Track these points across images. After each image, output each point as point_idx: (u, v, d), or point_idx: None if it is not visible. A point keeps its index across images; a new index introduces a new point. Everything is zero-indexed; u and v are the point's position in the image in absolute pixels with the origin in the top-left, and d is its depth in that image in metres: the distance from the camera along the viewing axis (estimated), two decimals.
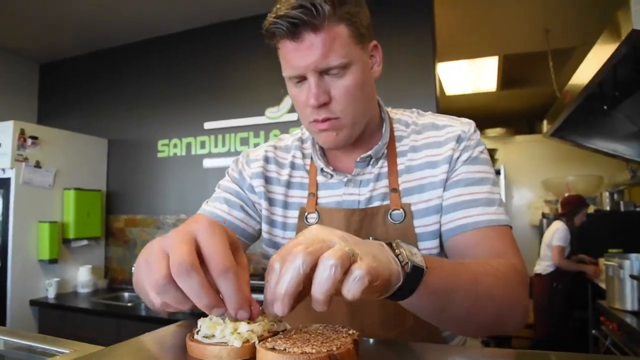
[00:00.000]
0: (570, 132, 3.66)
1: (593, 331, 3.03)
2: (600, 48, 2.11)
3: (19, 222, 3.17)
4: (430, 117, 0.96)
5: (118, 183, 3.91)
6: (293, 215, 0.96)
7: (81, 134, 3.73)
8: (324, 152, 0.97)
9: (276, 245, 0.97)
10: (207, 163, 3.50)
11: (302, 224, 0.93)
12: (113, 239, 3.86)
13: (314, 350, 0.48)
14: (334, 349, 0.49)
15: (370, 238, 0.81)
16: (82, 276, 3.49)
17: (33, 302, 3.22)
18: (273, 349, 0.50)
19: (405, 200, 0.89)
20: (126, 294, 3.45)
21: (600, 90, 2.49)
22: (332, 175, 0.94)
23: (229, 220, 0.98)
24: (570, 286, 4.17)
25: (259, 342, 0.53)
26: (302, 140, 1.03)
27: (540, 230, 5.31)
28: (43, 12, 3.38)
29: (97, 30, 3.71)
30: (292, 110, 3.22)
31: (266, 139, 3.30)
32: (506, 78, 5.15)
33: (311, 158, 0.98)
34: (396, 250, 0.57)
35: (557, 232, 4.13)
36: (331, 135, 0.85)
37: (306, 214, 0.93)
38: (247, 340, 0.53)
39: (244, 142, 3.38)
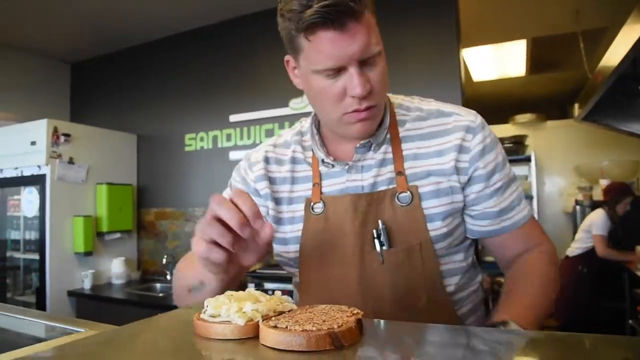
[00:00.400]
0: (603, 116, 3.55)
1: (630, 321, 2.95)
2: (631, 27, 2.04)
3: (54, 216, 3.29)
4: (434, 104, 0.97)
5: (148, 177, 4.00)
6: (300, 208, 0.96)
7: (111, 130, 3.83)
8: (323, 143, 0.97)
9: (285, 242, 0.97)
10: (234, 155, 3.54)
11: (308, 214, 0.93)
12: (144, 232, 3.96)
13: (314, 328, 0.49)
14: (335, 327, 0.50)
15: (380, 222, 0.87)
16: (116, 268, 3.60)
17: (70, 293, 3.34)
18: (275, 327, 0.51)
19: (411, 184, 0.89)
20: (158, 285, 3.54)
21: (634, 70, 2.40)
22: (333, 165, 0.94)
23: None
24: (598, 273, 4.02)
25: (263, 321, 0.54)
26: (301, 134, 1.03)
27: (573, 218, 5.16)
28: (73, 15, 3.47)
29: (124, 29, 3.79)
30: None
31: None
32: (535, 62, 5.01)
33: (312, 150, 0.98)
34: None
35: (596, 221, 3.98)
36: (368, 123, 0.86)
37: (312, 204, 0.93)
38: (251, 320, 0.54)
39: (269, 133, 3.40)
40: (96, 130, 3.69)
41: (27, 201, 3.42)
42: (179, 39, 3.91)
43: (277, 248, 0.99)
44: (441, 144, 0.90)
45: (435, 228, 0.87)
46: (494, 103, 6.24)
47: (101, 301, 3.24)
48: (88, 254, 3.41)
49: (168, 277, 3.62)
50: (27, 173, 3.38)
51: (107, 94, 4.30)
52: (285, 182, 0.99)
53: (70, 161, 3.41)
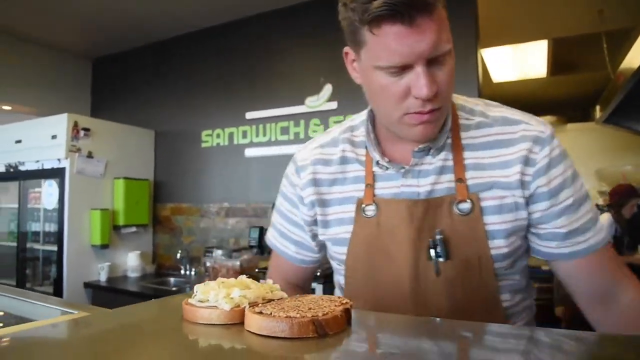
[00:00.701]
0: (625, 118, 3.47)
1: None
2: None
3: (73, 209, 3.36)
4: (500, 110, 0.90)
5: (164, 172, 4.05)
6: (350, 209, 0.91)
7: (130, 125, 3.89)
8: (378, 142, 0.91)
9: (333, 242, 0.94)
10: (249, 152, 3.56)
11: (359, 216, 0.89)
12: (160, 227, 4.01)
13: (298, 315, 0.49)
14: (320, 314, 0.49)
15: (437, 231, 0.82)
16: (131, 261, 3.65)
17: (87, 285, 3.41)
18: (260, 313, 0.51)
19: (473, 193, 0.83)
20: (172, 279, 3.59)
21: None
22: (387, 167, 0.88)
23: (294, 257, 1.03)
24: None
25: (250, 307, 0.54)
26: (351, 129, 0.97)
27: None
28: (95, 12, 3.54)
29: (145, 25, 3.84)
30: (331, 98, 3.22)
31: (306, 128, 3.32)
32: (557, 63, 4.92)
33: (365, 148, 0.92)
34: None
35: None
36: (430, 127, 0.79)
37: (363, 205, 0.88)
38: (238, 306, 0.55)
39: (284, 131, 3.41)
40: (115, 126, 3.75)
41: (47, 194, 3.49)
42: (198, 36, 3.95)
43: (332, 249, 0.96)
44: (506, 154, 0.83)
45: (497, 246, 0.82)
46: (514, 105, 6.08)
47: (116, 293, 3.30)
48: (105, 246, 3.48)
49: (182, 271, 3.67)
50: (47, 166, 3.45)
51: (127, 90, 4.37)
52: (334, 183, 0.94)
53: (89, 155, 3.47)
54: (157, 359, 0.45)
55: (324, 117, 3.25)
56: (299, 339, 0.48)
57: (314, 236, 0.99)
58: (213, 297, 0.56)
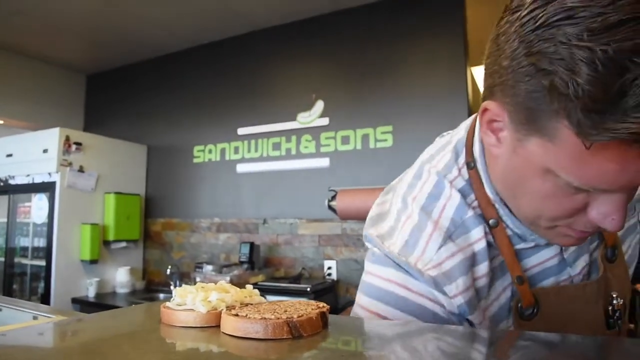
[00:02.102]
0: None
1: None
2: None
3: (63, 223, 3.34)
4: None
5: (156, 187, 4.04)
6: (491, 304, 0.66)
7: (122, 140, 3.89)
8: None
9: None
10: (241, 168, 3.57)
11: (516, 317, 0.65)
12: (150, 242, 3.98)
13: (273, 317, 0.49)
14: (295, 316, 0.50)
15: (614, 295, 0.68)
16: (121, 277, 3.62)
17: (75, 300, 3.37)
18: (236, 315, 0.51)
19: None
20: (162, 295, 3.56)
21: None
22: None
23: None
24: None
25: (226, 310, 0.54)
26: (463, 195, 0.66)
27: None
28: (90, 28, 3.57)
29: (139, 42, 3.88)
30: (323, 115, 3.25)
31: (298, 144, 3.33)
32: None
33: (498, 220, 0.65)
34: None
35: None
36: (582, 242, 0.62)
37: (520, 305, 0.65)
38: (215, 309, 0.55)
39: (276, 147, 3.43)
40: (107, 140, 3.76)
41: (37, 208, 3.48)
42: (191, 53, 3.99)
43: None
44: None
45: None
46: None
47: (104, 309, 3.24)
48: (94, 262, 3.45)
49: (172, 287, 3.63)
50: (38, 180, 3.44)
51: (121, 105, 4.39)
52: (484, 289, 0.65)
53: (81, 169, 3.46)
54: None
55: (315, 133, 3.27)
56: (274, 340, 0.48)
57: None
58: (190, 300, 0.56)
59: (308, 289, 2.72)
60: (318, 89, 3.30)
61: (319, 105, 3.28)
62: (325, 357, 0.46)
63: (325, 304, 0.57)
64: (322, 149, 3.23)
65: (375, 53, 3.14)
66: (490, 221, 0.64)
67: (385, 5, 3.14)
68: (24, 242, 3.68)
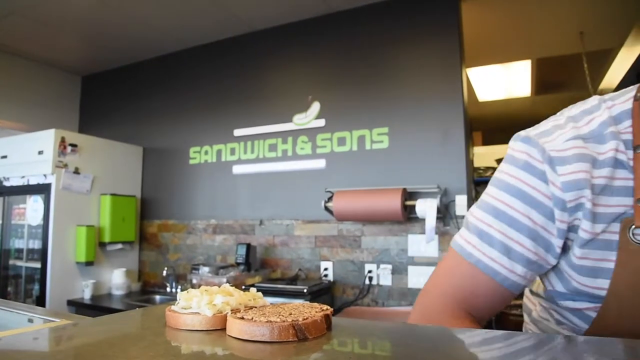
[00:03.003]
0: None
1: None
2: (629, 48, 2.05)
3: (58, 225, 3.32)
4: None
5: (152, 189, 4.03)
6: (612, 229, 0.68)
7: (118, 142, 3.88)
8: None
9: (589, 272, 0.70)
10: (237, 169, 3.57)
11: (626, 241, 0.66)
12: (146, 244, 3.97)
13: (278, 320, 0.50)
14: (300, 319, 0.50)
15: None
16: (117, 279, 3.61)
17: (70, 302, 3.36)
18: (242, 318, 0.51)
19: None
20: (157, 297, 3.55)
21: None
22: None
23: (510, 280, 0.73)
24: None
25: (232, 313, 0.55)
26: (614, 121, 0.69)
27: None
28: (85, 29, 3.56)
29: (134, 43, 3.87)
30: (319, 116, 3.25)
31: (294, 145, 3.34)
32: (541, 83, 5.04)
33: (634, 149, 0.67)
34: None
35: None
36: None
37: (633, 227, 0.65)
38: (221, 312, 0.55)
39: (272, 148, 3.43)
40: (103, 142, 3.75)
41: (32, 209, 3.46)
42: (187, 54, 3.99)
43: (573, 275, 0.72)
44: None
45: None
46: (499, 123, 6.25)
47: (100, 311, 3.24)
48: (89, 264, 3.43)
49: (168, 289, 3.63)
50: (33, 182, 3.43)
51: (116, 106, 4.37)
52: (602, 192, 0.68)
53: (76, 171, 3.45)
54: None
55: (311, 134, 3.28)
56: (279, 342, 0.49)
57: (557, 254, 0.73)
58: (196, 304, 0.56)
59: (305, 290, 2.73)
60: (314, 90, 3.31)
61: (315, 106, 3.29)
62: (331, 359, 0.47)
63: (329, 307, 0.58)
64: (319, 150, 3.24)
65: (371, 55, 3.15)
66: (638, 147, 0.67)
67: (381, 7, 3.15)
68: (18, 244, 3.66)
